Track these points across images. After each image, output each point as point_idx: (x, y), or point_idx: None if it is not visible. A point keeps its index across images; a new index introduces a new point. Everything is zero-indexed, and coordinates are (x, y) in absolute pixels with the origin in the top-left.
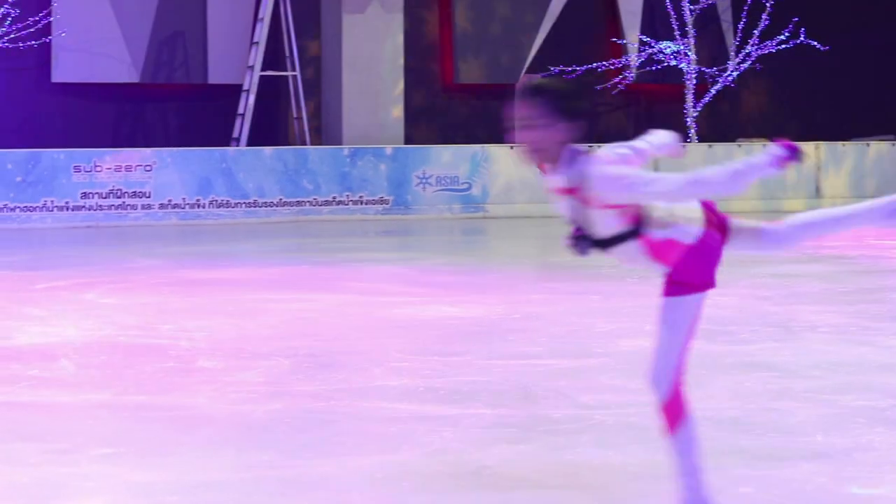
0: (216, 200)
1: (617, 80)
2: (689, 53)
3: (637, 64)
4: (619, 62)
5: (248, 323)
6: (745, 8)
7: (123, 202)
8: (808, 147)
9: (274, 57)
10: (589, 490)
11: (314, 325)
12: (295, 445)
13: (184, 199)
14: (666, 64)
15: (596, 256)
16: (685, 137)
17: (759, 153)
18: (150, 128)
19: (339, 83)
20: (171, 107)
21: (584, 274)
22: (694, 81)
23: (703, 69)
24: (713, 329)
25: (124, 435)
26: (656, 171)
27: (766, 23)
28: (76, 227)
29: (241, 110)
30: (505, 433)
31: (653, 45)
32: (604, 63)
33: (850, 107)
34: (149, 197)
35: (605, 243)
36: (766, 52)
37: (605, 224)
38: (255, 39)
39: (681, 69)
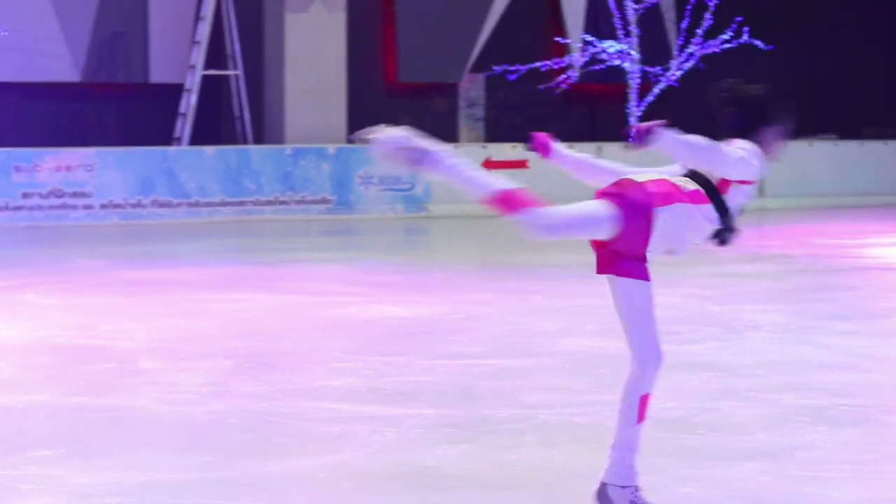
0: (158, 200)
1: (560, 79)
2: (633, 53)
3: (580, 63)
4: (563, 61)
5: (190, 323)
6: (689, 7)
7: (64, 202)
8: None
9: (216, 56)
10: (532, 490)
11: (256, 326)
12: (237, 446)
13: (125, 198)
14: (609, 63)
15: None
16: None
17: None
18: (92, 127)
19: (281, 82)
20: (113, 106)
21: (526, 274)
22: (637, 81)
23: (646, 68)
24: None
25: (65, 436)
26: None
27: (710, 22)
28: (16, 227)
29: (182, 110)
30: (447, 433)
31: (596, 44)
32: (547, 62)
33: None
34: (90, 197)
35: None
36: (710, 51)
37: None
38: (197, 38)
39: (624, 68)
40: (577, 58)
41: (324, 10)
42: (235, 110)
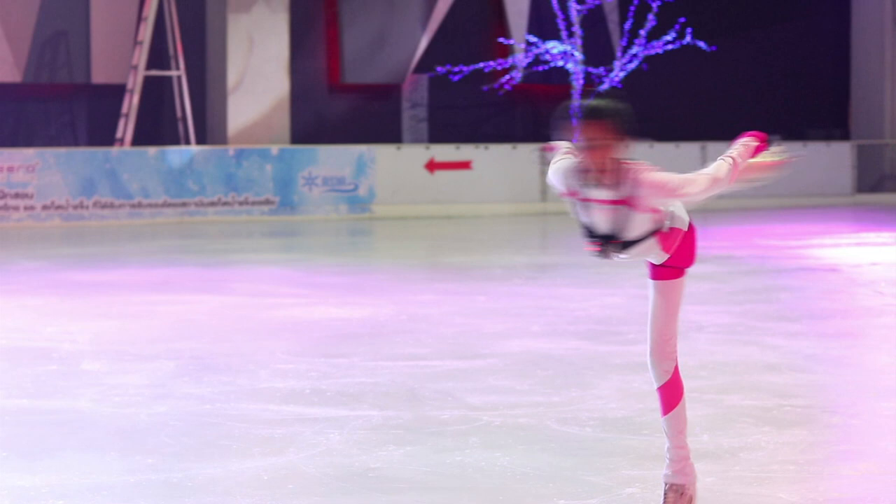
0: (100, 201)
1: (504, 80)
2: (576, 54)
3: (524, 64)
4: (506, 62)
5: (133, 325)
6: (632, 8)
7: (6, 203)
8: (693, 147)
9: (158, 57)
10: (476, 491)
11: (199, 328)
12: (180, 448)
13: (67, 200)
14: (553, 64)
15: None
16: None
17: (735, 146)
18: (33, 128)
19: (223, 83)
20: (55, 106)
21: (471, 275)
22: (580, 81)
23: (589, 69)
24: (601, 329)
25: (7, 439)
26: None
27: (653, 23)
28: None
29: (124, 110)
30: (392, 435)
31: (539, 45)
32: (490, 63)
33: (735, 107)
34: (31, 198)
35: (632, 242)
36: (653, 52)
37: (641, 225)
38: (139, 39)
39: (567, 69)
40: (520, 59)
41: (266, 11)
42: (178, 111)
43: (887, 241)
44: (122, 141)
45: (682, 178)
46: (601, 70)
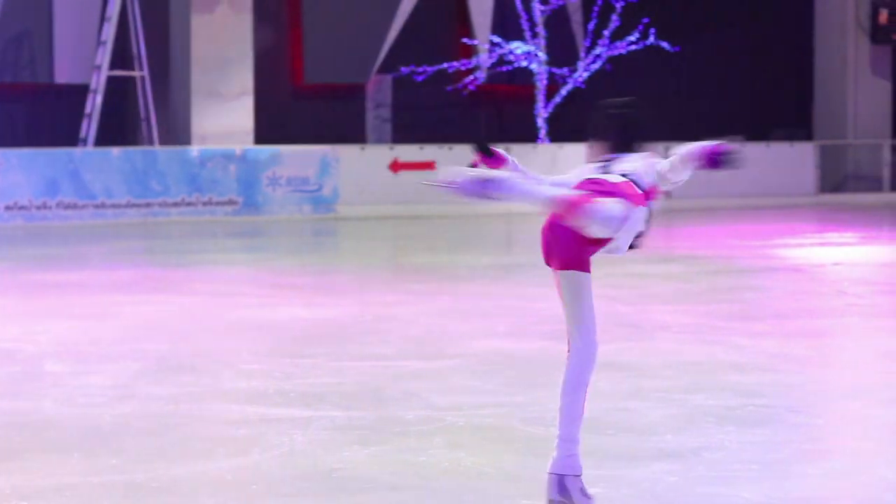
0: (63, 202)
1: (467, 80)
2: (540, 54)
3: (487, 64)
4: (470, 63)
5: (96, 326)
6: (596, 9)
7: None
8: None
9: (122, 57)
10: (441, 492)
11: (163, 328)
12: (143, 449)
13: (30, 200)
14: (516, 65)
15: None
16: (535, 138)
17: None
18: None
19: (187, 83)
20: (17, 106)
21: (435, 275)
22: (544, 82)
23: (553, 70)
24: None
25: None
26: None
27: (617, 24)
28: None
29: (88, 110)
30: (356, 435)
31: (503, 45)
32: (454, 63)
33: (699, 107)
34: None
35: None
36: (616, 52)
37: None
38: (103, 39)
39: (531, 70)
40: (484, 59)
41: (230, 12)
42: (141, 111)
43: (850, 241)
44: (85, 141)
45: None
46: (565, 70)
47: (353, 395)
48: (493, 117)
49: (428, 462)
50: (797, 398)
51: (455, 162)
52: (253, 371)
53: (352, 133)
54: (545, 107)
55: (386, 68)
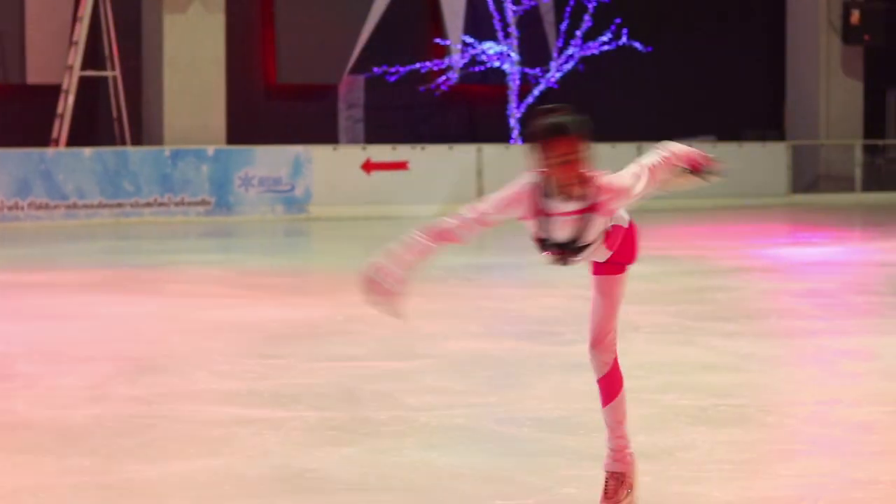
0: (35, 202)
1: (440, 80)
2: (512, 54)
3: (460, 65)
4: (442, 63)
5: (68, 326)
6: (568, 9)
7: None
8: (629, 148)
9: (94, 57)
10: (413, 492)
11: (135, 329)
12: (116, 450)
13: (2, 201)
14: (489, 65)
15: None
16: (508, 138)
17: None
18: None
19: (159, 83)
20: None
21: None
22: (517, 82)
23: (525, 70)
24: (538, 330)
25: None
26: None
27: (589, 24)
28: None
29: (60, 111)
30: (328, 436)
31: (475, 46)
32: (427, 64)
33: (671, 108)
34: None
35: (587, 245)
36: (589, 53)
37: (598, 228)
38: (75, 39)
39: (504, 70)
40: (456, 59)
41: (202, 11)
42: (113, 112)
43: (822, 241)
44: (57, 142)
45: (633, 174)
46: (537, 71)
47: (325, 396)
48: (465, 117)
49: (401, 462)
50: (769, 398)
51: (428, 162)
52: (225, 372)
53: (324, 133)
54: (518, 107)
55: (358, 68)
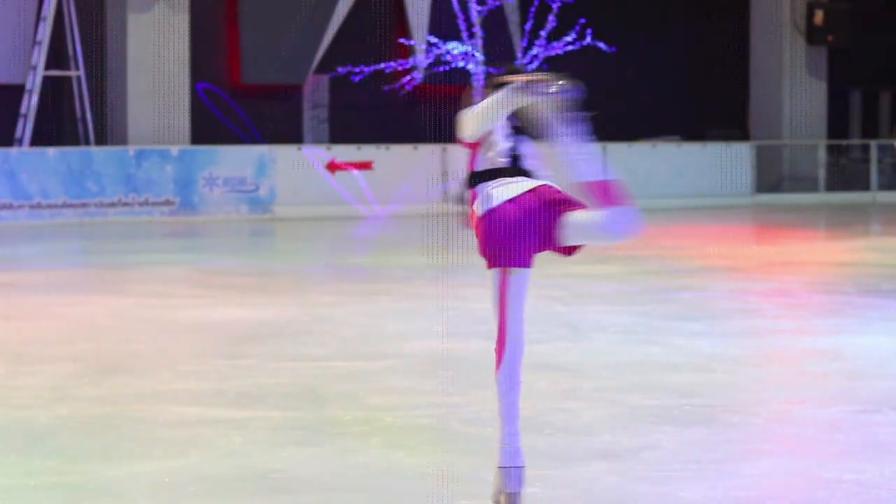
0: None
1: (405, 80)
2: (477, 54)
3: (425, 65)
4: (407, 63)
5: (32, 327)
6: (532, 9)
7: None
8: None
9: (58, 56)
10: (378, 492)
11: (100, 329)
12: (80, 451)
13: None
14: (454, 65)
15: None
16: None
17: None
18: None
19: (124, 83)
20: None
21: (372, 275)
22: (482, 82)
23: (490, 70)
24: None
25: None
26: None
27: (553, 24)
28: None
29: (23, 110)
30: (294, 436)
31: (440, 46)
32: (391, 64)
33: (636, 108)
34: None
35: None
36: (554, 53)
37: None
38: (38, 38)
39: (468, 70)
40: (421, 59)
41: (167, 11)
42: (77, 111)
43: (787, 241)
44: (20, 142)
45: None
46: (502, 71)
47: (290, 396)
48: (430, 117)
49: (366, 462)
50: (734, 398)
51: (393, 162)
52: (190, 372)
53: (289, 133)
54: None
55: (323, 69)
